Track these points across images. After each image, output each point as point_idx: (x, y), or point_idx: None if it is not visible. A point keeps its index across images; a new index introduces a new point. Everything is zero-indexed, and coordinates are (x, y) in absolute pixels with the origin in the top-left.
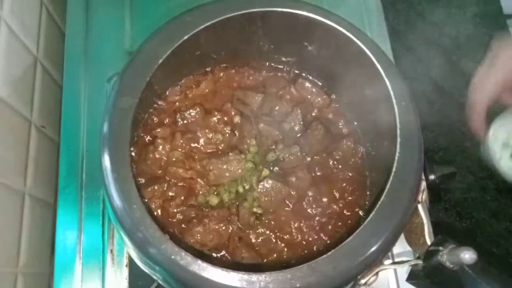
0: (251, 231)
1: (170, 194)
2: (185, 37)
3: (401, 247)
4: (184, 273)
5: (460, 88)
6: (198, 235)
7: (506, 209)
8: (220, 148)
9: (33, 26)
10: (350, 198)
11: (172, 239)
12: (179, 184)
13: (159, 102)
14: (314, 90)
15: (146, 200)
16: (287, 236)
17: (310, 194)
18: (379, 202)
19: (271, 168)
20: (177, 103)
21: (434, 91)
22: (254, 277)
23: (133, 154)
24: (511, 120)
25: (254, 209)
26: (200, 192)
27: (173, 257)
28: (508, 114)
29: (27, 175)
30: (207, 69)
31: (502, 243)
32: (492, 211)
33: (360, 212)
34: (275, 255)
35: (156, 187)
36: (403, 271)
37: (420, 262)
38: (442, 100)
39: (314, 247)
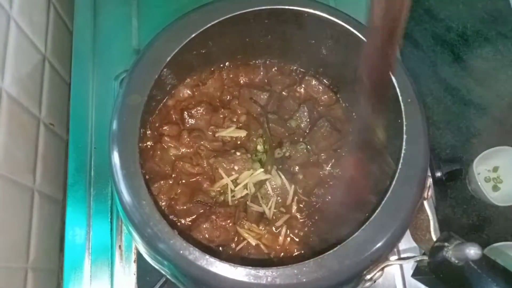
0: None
1: (177, 190)
2: (193, 35)
3: (407, 243)
4: (192, 267)
5: (468, 85)
6: (206, 232)
7: None
8: (227, 145)
9: (41, 24)
10: (356, 194)
11: (180, 234)
12: (185, 180)
13: (167, 100)
14: (320, 88)
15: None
16: (294, 232)
17: (317, 191)
18: (385, 198)
19: (279, 166)
20: (184, 101)
21: (441, 88)
22: (261, 272)
23: (141, 151)
24: (488, 159)
25: (261, 207)
26: (207, 188)
27: (181, 252)
28: (485, 154)
29: (36, 172)
30: (213, 67)
31: (509, 239)
32: (500, 208)
33: (367, 208)
34: (281, 251)
35: (162, 183)
36: (409, 267)
37: (425, 258)
38: (449, 97)
39: (321, 243)
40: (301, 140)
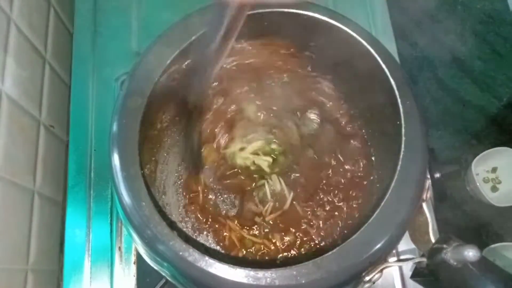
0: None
1: None
2: (193, 38)
3: (405, 244)
4: (192, 269)
5: (466, 86)
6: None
7: None
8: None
9: (41, 27)
10: (356, 196)
11: (179, 236)
12: None
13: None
14: (328, 93)
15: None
16: (293, 235)
17: (319, 193)
18: (384, 200)
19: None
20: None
21: (439, 89)
22: (260, 273)
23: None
24: (486, 160)
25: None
26: None
27: (181, 253)
28: (483, 155)
29: (36, 174)
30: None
31: (508, 240)
32: (498, 209)
33: (366, 210)
34: (279, 253)
35: None
36: (408, 268)
37: (424, 259)
38: (447, 98)
39: (320, 244)
40: (307, 143)
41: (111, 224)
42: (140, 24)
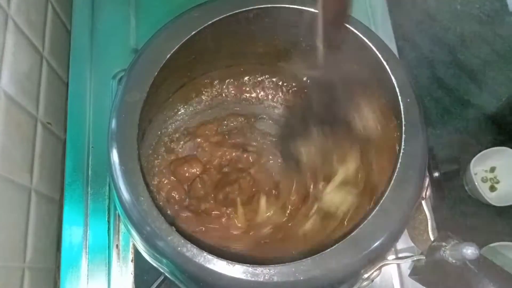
0: None
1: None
2: (193, 33)
3: (404, 243)
4: (190, 264)
5: (465, 85)
6: None
7: (510, 207)
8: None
9: (39, 23)
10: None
11: (178, 231)
12: None
13: (169, 99)
14: None
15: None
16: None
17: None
18: (383, 198)
19: None
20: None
21: (438, 88)
22: (259, 269)
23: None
24: (485, 160)
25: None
26: None
27: (179, 249)
28: (482, 155)
29: (33, 172)
30: (214, 71)
31: (506, 239)
32: (497, 208)
33: (365, 208)
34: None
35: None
36: (406, 266)
37: (423, 257)
38: (447, 97)
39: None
40: None
41: (108, 222)
42: (139, 21)
